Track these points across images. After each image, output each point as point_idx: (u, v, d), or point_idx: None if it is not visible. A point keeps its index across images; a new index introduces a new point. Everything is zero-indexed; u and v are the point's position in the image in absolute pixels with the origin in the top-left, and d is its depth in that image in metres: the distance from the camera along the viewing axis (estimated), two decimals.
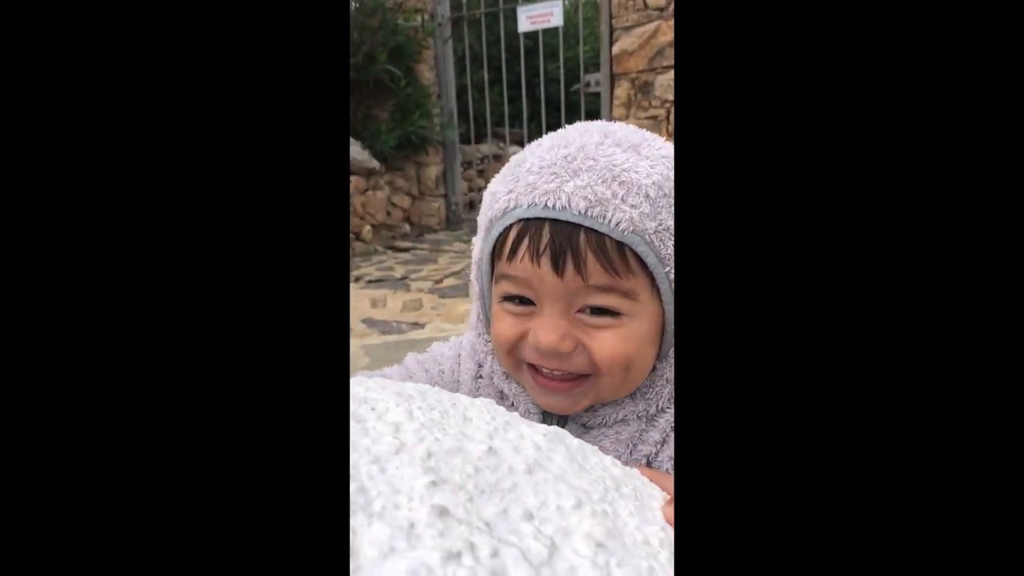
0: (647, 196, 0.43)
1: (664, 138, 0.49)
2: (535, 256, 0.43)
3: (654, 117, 3.64)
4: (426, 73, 4.65)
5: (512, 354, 0.48)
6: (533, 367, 0.47)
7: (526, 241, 0.44)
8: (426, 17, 4.36)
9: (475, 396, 0.52)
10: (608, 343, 0.44)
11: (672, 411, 0.48)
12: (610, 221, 0.42)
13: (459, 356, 0.57)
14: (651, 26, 3.61)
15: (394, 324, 2.67)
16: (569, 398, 0.47)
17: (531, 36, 4.20)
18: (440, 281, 3.36)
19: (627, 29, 3.65)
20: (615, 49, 3.69)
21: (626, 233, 0.42)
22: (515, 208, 0.45)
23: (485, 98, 4.65)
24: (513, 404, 0.51)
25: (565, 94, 4.18)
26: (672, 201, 0.43)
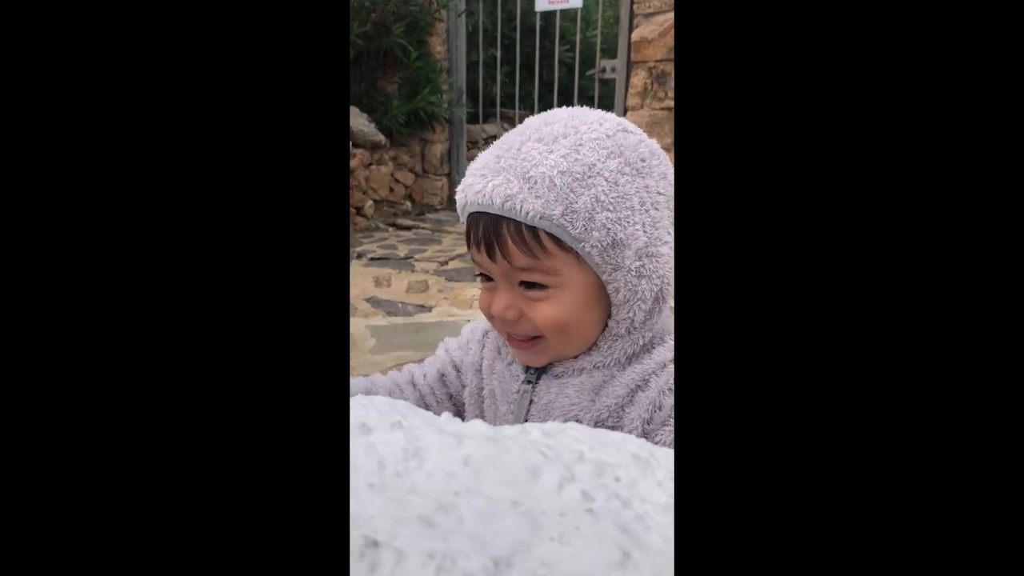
0: (553, 186, 0.49)
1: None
2: (477, 245, 0.53)
3: (669, 108, 3.58)
4: (437, 47, 4.53)
5: (488, 319, 0.59)
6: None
7: (472, 233, 0.54)
8: None
9: (480, 350, 0.67)
10: (542, 311, 0.54)
11: (637, 368, 0.56)
12: (520, 211, 0.50)
13: (476, 325, 0.70)
14: (672, 15, 3.53)
15: (400, 305, 2.63)
16: (532, 354, 0.58)
17: (545, 17, 4.10)
18: (445, 263, 3.31)
19: (648, 16, 3.57)
20: (635, 36, 3.61)
21: (537, 219, 0.50)
22: (466, 205, 0.54)
23: (495, 78, 4.56)
24: (505, 355, 0.63)
25: (579, 78, 4.09)
26: (583, 182, 0.50)
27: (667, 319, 0.59)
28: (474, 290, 2.92)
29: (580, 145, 0.51)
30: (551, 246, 0.51)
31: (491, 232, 0.52)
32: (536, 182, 0.50)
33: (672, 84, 3.60)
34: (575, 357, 0.58)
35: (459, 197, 0.56)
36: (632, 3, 3.61)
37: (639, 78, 3.65)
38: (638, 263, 0.52)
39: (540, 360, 0.58)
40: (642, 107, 3.71)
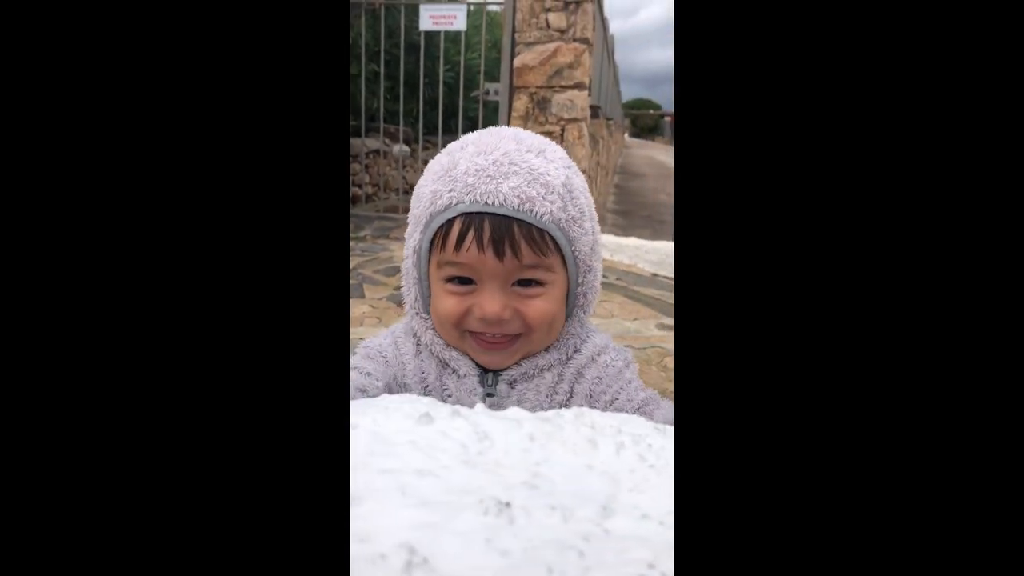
0: (559, 194, 0.56)
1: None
2: (481, 245, 0.54)
3: (549, 133, 3.79)
4: None
5: (457, 326, 0.58)
6: (474, 334, 0.58)
7: (471, 233, 0.55)
8: None
9: (419, 369, 0.62)
10: (539, 307, 0.57)
11: (574, 362, 0.62)
12: (536, 214, 0.55)
13: (396, 341, 0.66)
14: (551, 46, 3.76)
15: None
16: (505, 354, 0.59)
17: (427, 37, 4.16)
18: None
19: (529, 45, 3.77)
20: (516, 62, 3.79)
21: (547, 223, 0.55)
22: (457, 204, 0.55)
23: (377, 93, 4.52)
24: (454, 369, 0.61)
25: (463, 99, 4.19)
26: (572, 193, 0.57)
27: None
28: (362, 307, 2.85)
29: (559, 159, 0.59)
30: (552, 246, 0.56)
31: (503, 231, 0.54)
32: (548, 188, 0.55)
33: (551, 111, 3.82)
34: (536, 356, 0.61)
35: (445, 196, 0.55)
36: (514, 32, 3.79)
37: (521, 102, 3.83)
38: (597, 266, 0.61)
39: (510, 360, 0.60)
40: (524, 129, 3.88)
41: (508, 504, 0.24)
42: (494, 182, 0.55)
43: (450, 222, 0.55)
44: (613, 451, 0.30)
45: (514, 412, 0.34)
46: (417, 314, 0.63)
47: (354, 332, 2.52)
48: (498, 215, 0.54)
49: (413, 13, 4.14)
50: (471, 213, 0.55)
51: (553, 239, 0.56)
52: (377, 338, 0.68)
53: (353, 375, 0.61)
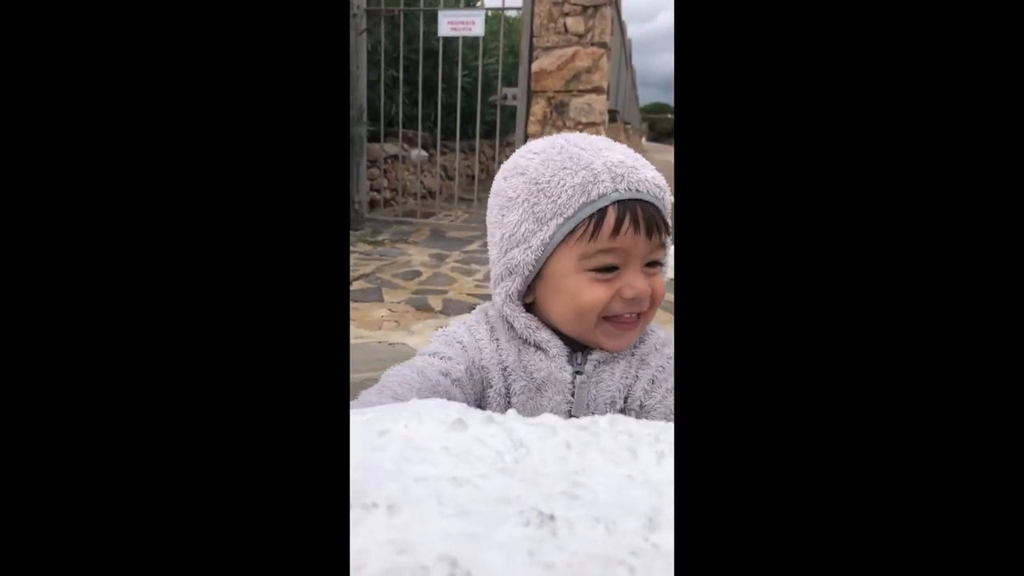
0: (668, 188, 0.63)
1: None
2: (638, 227, 0.60)
3: None
4: None
5: (602, 313, 0.62)
6: (609, 319, 0.62)
7: (627, 218, 0.59)
8: None
9: (496, 352, 0.67)
10: (661, 284, 0.64)
11: (640, 349, 0.67)
12: (665, 200, 0.63)
13: (469, 328, 0.69)
14: (569, 50, 3.76)
15: None
16: (634, 333, 0.65)
17: (446, 42, 4.19)
18: (349, 283, 3.22)
19: (547, 49, 3.77)
20: (534, 67, 3.80)
21: (666, 209, 0.63)
22: (612, 193, 0.59)
23: (395, 98, 4.56)
24: (545, 349, 0.65)
25: (480, 104, 4.21)
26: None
27: None
28: (381, 311, 2.86)
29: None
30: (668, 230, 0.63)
31: (651, 214, 0.61)
32: (666, 181, 0.63)
33: (569, 115, 3.81)
34: None
35: (594, 186, 0.59)
36: (532, 36, 3.79)
37: (539, 107, 3.83)
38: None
39: (631, 341, 0.65)
40: (542, 134, 3.89)
41: (552, 517, 0.23)
42: (636, 171, 0.61)
43: (602, 211, 0.59)
44: (653, 460, 0.29)
45: (548, 419, 0.33)
46: (509, 301, 0.65)
47: (372, 336, 2.53)
48: (645, 201, 0.60)
49: (432, 19, 4.17)
50: (624, 200, 0.60)
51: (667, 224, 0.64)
52: (451, 327, 0.71)
53: (433, 360, 0.64)
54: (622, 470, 0.28)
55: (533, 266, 0.63)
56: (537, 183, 0.62)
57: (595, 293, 0.61)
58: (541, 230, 0.61)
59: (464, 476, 0.26)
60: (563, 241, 0.61)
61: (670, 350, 0.68)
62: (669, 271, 0.64)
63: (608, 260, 0.60)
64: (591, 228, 0.59)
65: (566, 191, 0.60)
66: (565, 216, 0.60)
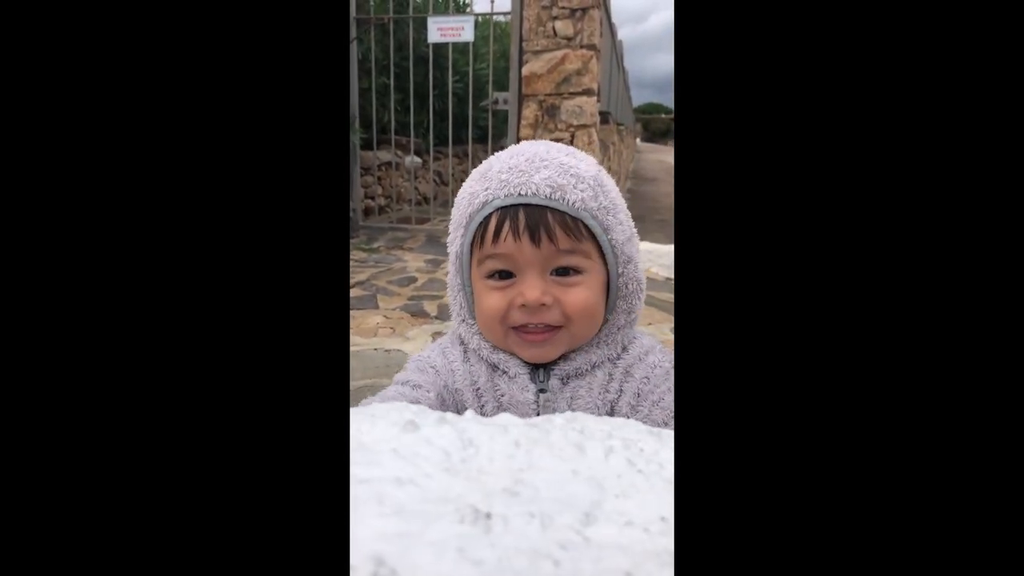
0: (590, 184, 0.58)
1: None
2: (517, 233, 0.57)
3: (559, 139, 3.79)
4: None
5: (502, 322, 0.60)
6: (516, 329, 0.60)
7: (507, 224, 0.57)
8: None
9: (468, 374, 0.64)
10: (578, 295, 0.58)
11: (624, 360, 0.63)
12: (568, 201, 0.57)
13: (443, 351, 0.67)
14: (559, 53, 3.77)
15: None
16: (546, 347, 0.60)
17: (436, 48, 4.20)
18: None
19: (536, 53, 3.78)
20: (524, 71, 3.81)
21: (580, 210, 0.57)
22: (493, 200, 0.58)
23: (387, 105, 4.57)
24: (504, 370, 0.63)
25: (472, 109, 4.22)
26: (604, 186, 0.60)
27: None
28: (376, 318, 2.86)
29: (588, 160, 0.62)
30: (586, 233, 0.58)
31: (536, 219, 0.57)
32: (578, 179, 0.58)
33: (561, 117, 3.82)
34: (586, 352, 0.62)
35: (481, 195, 0.58)
36: (521, 40, 3.81)
37: (530, 110, 3.84)
38: (636, 257, 0.62)
39: (554, 353, 0.60)
40: (533, 137, 3.90)
41: (488, 515, 0.23)
42: (526, 175, 0.58)
43: (487, 218, 0.58)
44: (601, 456, 0.29)
45: (503, 418, 0.33)
46: (463, 321, 0.65)
47: (369, 342, 2.53)
48: (532, 205, 0.57)
49: (421, 26, 4.18)
50: (506, 206, 0.57)
51: (587, 227, 0.58)
52: (426, 351, 0.70)
53: (404, 389, 0.62)
54: (568, 466, 0.28)
55: (459, 279, 0.63)
56: (456, 197, 0.64)
57: (491, 300, 0.60)
58: (453, 243, 0.63)
59: (408, 476, 0.26)
60: (471, 253, 0.61)
61: (654, 357, 0.64)
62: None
63: (497, 265, 0.59)
64: (480, 236, 0.59)
65: (463, 201, 0.61)
66: (464, 226, 0.61)
